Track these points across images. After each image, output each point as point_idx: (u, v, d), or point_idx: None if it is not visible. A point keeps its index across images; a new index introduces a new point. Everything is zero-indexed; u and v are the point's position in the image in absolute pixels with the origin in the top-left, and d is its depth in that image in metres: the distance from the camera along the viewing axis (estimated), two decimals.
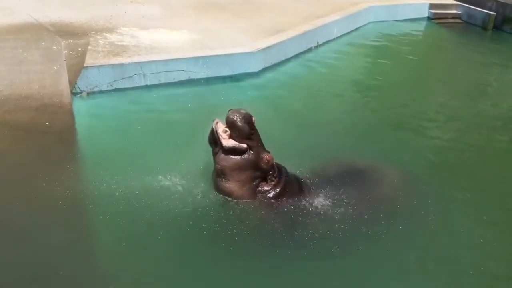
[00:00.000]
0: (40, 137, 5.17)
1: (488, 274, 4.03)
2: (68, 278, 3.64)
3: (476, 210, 4.76)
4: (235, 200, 4.39)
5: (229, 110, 4.39)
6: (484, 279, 3.98)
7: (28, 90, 5.80)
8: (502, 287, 4.00)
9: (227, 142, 4.33)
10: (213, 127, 4.38)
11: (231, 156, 4.36)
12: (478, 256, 4.20)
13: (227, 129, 4.34)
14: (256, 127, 4.45)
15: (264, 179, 4.48)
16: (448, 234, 4.42)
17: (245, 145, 4.35)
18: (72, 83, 6.28)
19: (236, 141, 4.34)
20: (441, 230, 4.45)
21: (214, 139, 4.41)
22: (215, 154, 4.45)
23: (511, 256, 4.25)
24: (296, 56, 8.35)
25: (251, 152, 4.38)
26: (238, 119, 4.32)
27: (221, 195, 4.44)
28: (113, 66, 6.64)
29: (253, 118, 4.39)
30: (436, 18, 11.36)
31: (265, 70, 7.65)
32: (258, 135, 4.47)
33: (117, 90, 6.64)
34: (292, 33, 8.38)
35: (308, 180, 4.72)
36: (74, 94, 6.28)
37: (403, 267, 4.01)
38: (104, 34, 7.65)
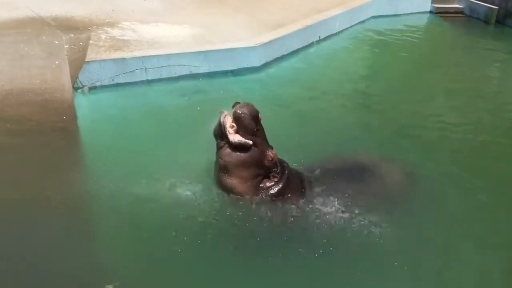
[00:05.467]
0: (42, 132, 5.18)
1: (489, 271, 4.03)
2: (67, 275, 3.65)
3: (478, 207, 4.73)
4: (237, 196, 4.37)
5: (236, 104, 4.32)
6: (486, 276, 3.98)
7: (29, 84, 5.80)
8: (503, 284, 4.00)
9: (234, 137, 4.27)
10: (221, 120, 4.30)
11: (235, 152, 4.32)
12: (478, 253, 4.20)
13: (234, 124, 4.28)
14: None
15: (267, 175, 4.44)
16: (449, 230, 4.40)
17: (250, 142, 4.29)
18: (74, 77, 6.29)
19: (241, 136, 4.28)
20: (441, 227, 4.43)
21: (220, 133, 4.33)
22: (219, 148, 4.40)
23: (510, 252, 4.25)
24: (298, 50, 8.33)
25: (256, 148, 4.32)
26: (245, 115, 4.24)
27: (223, 190, 4.41)
28: (114, 60, 6.65)
29: (259, 114, 4.33)
30: (438, 12, 11.33)
31: (266, 64, 7.64)
32: (263, 131, 4.43)
33: (118, 84, 6.65)
34: (293, 27, 8.37)
35: (309, 175, 4.70)
36: (75, 88, 6.30)
37: (404, 264, 3.99)
38: (106, 28, 7.65)
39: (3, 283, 3.53)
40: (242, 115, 4.26)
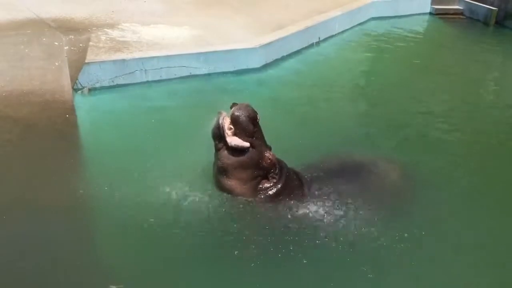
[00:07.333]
0: (41, 133, 5.18)
1: (488, 271, 4.03)
2: (69, 275, 3.65)
3: (477, 207, 4.73)
4: (236, 198, 4.37)
5: (234, 106, 4.30)
6: (485, 276, 3.98)
7: (29, 86, 5.81)
8: (502, 282, 4.00)
9: (232, 139, 4.26)
10: (220, 122, 4.29)
11: (233, 154, 4.31)
12: (478, 253, 4.20)
13: (231, 126, 4.27)
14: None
15: (265, 176, 4.44)
16: (448, 230, 4.41)
17: (248, 144, 4.28)
18: (74, 79, 6.29)
19: (239, 138, 4.27)
20: (440, 226, 4.44)
21: (218, 134, 4.32)
22: (217, 149, 4.39)
23: (508, 253, 4.24)
24: (298, 52, 8.35)
25: (254, 150, 4.32)
26: (243, 117, 4.23)
27: (222, 192, 4.41)
28: (114, 62, 6.65)
29: (257, 115, 4.32)
30: (438, 14, 11.35)
31: (266, 66, 7.65)
32: (262, 133, 4.42)
33: (118, 86, 6.66)
34: (293, 28, 8.39)
35: (308, 176, 4.70)
36: (75, 90, 6.30)
37: (403, 264, 4.00)
38: (106, 29, 7.66)
39: (4, 284, 3.53)
40: (240, 117, 4.24)
